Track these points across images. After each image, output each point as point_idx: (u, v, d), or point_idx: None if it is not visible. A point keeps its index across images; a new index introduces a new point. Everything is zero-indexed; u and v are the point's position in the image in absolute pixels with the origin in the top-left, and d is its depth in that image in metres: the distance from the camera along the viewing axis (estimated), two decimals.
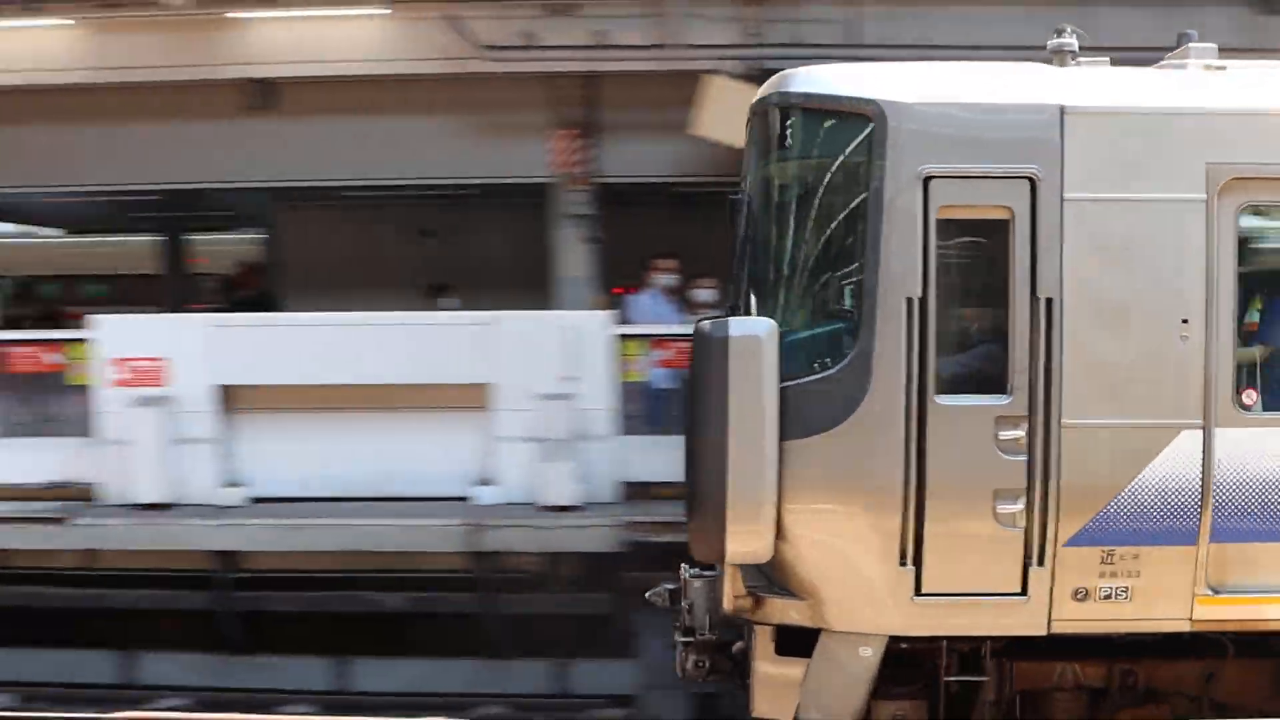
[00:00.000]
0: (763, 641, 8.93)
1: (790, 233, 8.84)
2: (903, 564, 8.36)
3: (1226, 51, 9.41)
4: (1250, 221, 8.62)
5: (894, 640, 8.71)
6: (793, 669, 8.82)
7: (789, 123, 8.75)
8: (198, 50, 15.70)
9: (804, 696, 8.77)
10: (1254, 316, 8.96)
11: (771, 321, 8.34)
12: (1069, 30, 8.92)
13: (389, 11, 15.54)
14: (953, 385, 8.39)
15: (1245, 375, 8.58)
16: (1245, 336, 8.75)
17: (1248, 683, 9.24)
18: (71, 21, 15.96)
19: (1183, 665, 9.20)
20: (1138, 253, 8.37)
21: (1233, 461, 8.41)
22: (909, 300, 8.25)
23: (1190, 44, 9.25)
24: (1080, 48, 8.99)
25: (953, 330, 8.47)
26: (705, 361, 8.30)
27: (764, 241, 8.94)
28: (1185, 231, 8.36)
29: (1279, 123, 8.51)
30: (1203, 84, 8.80)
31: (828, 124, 8.69)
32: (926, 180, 8.26)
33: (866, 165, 8.34)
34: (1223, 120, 8.48)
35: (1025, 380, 8.32)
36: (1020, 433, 8.32)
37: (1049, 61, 8.94)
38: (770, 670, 8.94)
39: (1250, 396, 8.52)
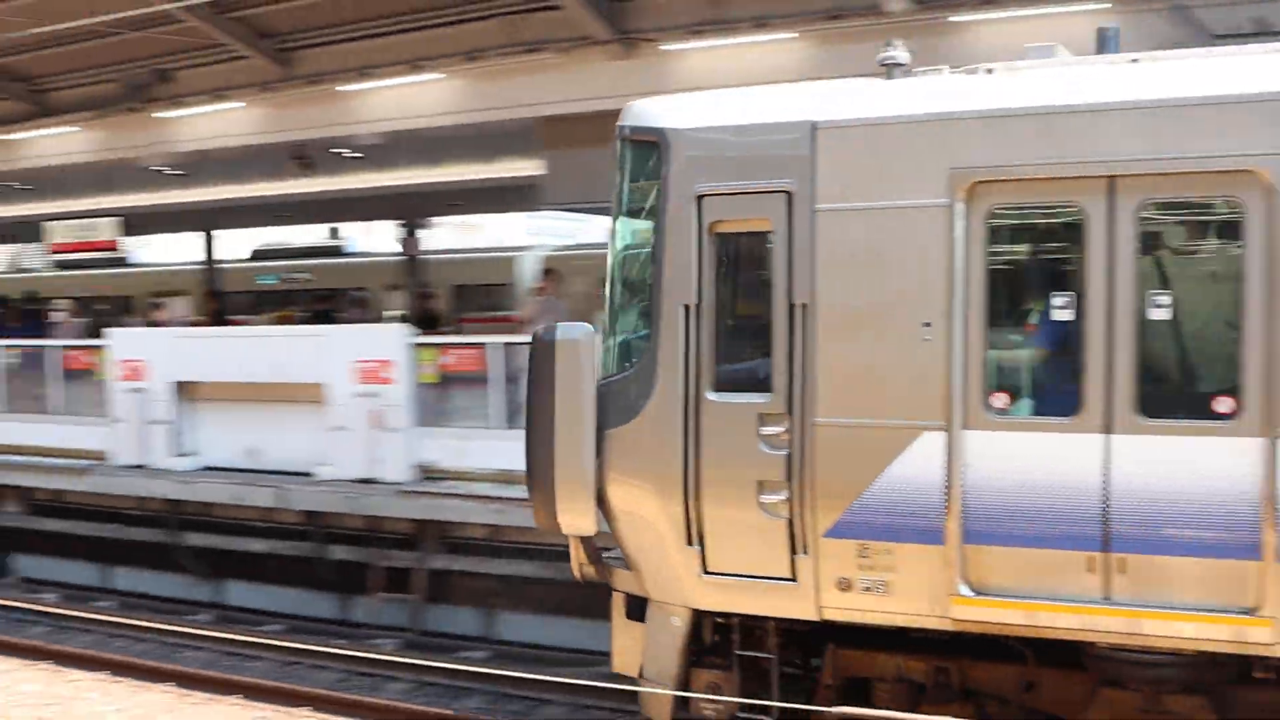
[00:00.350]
0: (616, 605, 10.09)
1: (618, 248, 9.91)
2: (689, 544, 9.27)
3: None
4: (999, 223, 8.52)
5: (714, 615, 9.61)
6: (636, 631, 9.89)
7: (621, 151, 9.78)
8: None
9: (644, 657, 9.82)
10: (1032, 319, 8.72)
11: (590, 327, 9.57)
12: (898, 44, 9.16)
13: (1109, 5, 15.47)
14: (724, 385, 9.19)
15: (998, 378, 8.51)
16: (1006, 340, 8.61)
17: (1067, 694, 8.96)
18: (795, 35, 17.68)
19: (999, 669, 9.14)
20: (884, 259, 8.67)
21: (982, 464, 8.45)
22: (685, 307, 9.17)
23: (1030, 46, 9.11)
24: None
25: (725, 334, 9.24)
26: (538, 362, 9.66)
27: (608, 256, 10.02)
28: (929, 237, 8.54)
29: (1021, 124, 8.39)
30: (955, 90, 8.76)
31: (637, 151, 9.66)
32: (700, 198, 9.12)
33: (656, 187, 9.31)
34: (965, 125, 8.51)
35: (784, 381, 8.94)
36: (781, 429, 8.95)
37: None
38: (620, 631, 10.07)
39: (1001, 400, 8.46)
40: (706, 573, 9.29)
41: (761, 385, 9.04)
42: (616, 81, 17.81)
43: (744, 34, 17.43)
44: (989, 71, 8.96)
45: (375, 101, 19.88)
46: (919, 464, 8.54)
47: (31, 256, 45.62)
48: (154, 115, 20.14)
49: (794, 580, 8.99)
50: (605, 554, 10.10)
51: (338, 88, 19.37)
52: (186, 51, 19.53)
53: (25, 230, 37.74)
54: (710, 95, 9.65)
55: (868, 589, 8.79)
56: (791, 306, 8.86)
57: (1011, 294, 8.78)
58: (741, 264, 9.28)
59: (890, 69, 9.22)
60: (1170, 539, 8.05)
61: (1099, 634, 8.39)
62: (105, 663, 15.31)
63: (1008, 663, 9.16)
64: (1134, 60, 8.78)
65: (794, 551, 8.96)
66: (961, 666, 9.31)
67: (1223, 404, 7.99)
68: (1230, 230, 8.13)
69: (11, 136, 21.56)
